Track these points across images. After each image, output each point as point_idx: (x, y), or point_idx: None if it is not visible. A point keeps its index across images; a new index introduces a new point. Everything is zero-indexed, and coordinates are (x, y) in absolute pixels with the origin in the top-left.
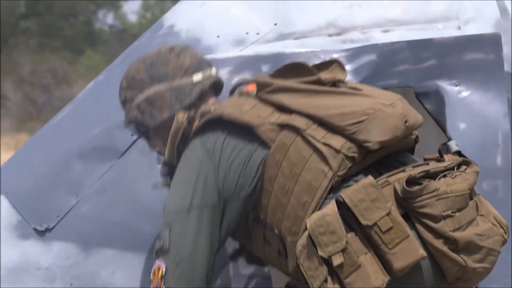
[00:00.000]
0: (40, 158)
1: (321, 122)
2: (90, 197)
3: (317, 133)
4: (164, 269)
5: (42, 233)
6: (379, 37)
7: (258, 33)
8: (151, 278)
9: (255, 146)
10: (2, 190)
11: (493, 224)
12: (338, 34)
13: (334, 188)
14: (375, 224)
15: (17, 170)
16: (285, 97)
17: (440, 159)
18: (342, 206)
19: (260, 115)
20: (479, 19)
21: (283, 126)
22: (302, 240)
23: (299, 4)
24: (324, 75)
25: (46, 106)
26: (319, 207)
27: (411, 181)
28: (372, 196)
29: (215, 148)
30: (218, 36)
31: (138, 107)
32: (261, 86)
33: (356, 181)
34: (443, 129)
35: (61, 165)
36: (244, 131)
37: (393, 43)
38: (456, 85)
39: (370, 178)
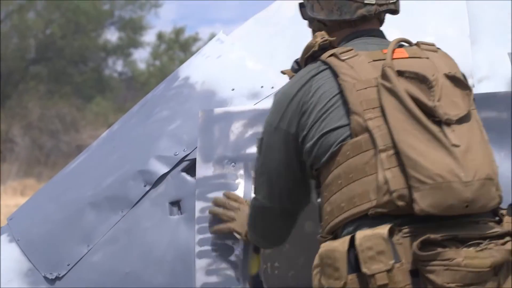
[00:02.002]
0: (52, 206)
1: (398, 154)
2: (102, 246)
3: (387, 162)
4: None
5: (52, 282)
6: None
7: (273, 87)
8: None
9: (343, 124)
10: (13, 237)
11: None
12: None
13: (370, 216)
14: (373, 275)
15: (29, 217)
16: (390, 105)
17: (499, 220)
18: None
19: (363, 103)
20: (492, 77)
21: (368, 130)
22: (315, 260)
23: None
24: (442, 103)
25: (53, 152)
26: (348, 220)
27: (431, 242)
28: (379, 248)
29: (320, 96)
30: (233, 89)
31: None
32: (385, 76)
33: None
34: None
35: (73, 213)
36: (344, 102)
37: None
38: None
39: (384, 230)
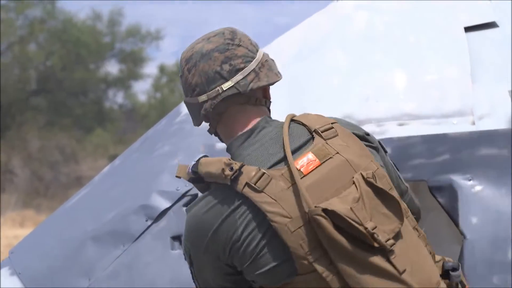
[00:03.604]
0: (54, 239)
1: None
2: (103, 281)
3: None
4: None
5: None
6: (395, 131)
7: None
8: None
9: (283, 260)
10: (15, 270)
11: None
12: None
13: None
14: None
15: (31, 251)
16: (333, 250)
17: None
18: None
19: (303, 246)
20: (493, 115)
21: (318, 273)
22: None
23: (314, 96)
24: (381, 223)
25: (53, 183)
26: None
27: None
28: None
29: (250, 234)
30: None
31: None
32: (319, 225)
33: None
34: (456, 223)
35: (75, 247)
36: (280, 242)
37: (408, 137)
38: (470, 180)
39: None
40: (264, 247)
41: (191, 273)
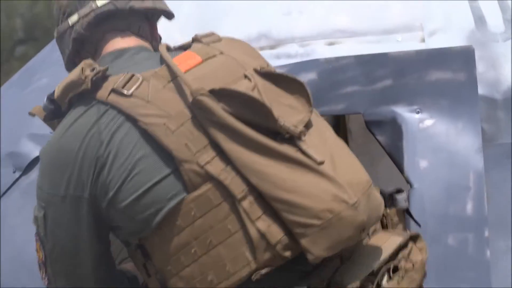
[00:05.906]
0: None
1: (261, 197)
2: None
3: (253, 210)
4: (43, 256)
5: None
6: (322, 51)
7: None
8: (36, 248)
9: (167, 174)
10: None
11: None
12: (272, 47)
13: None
14: None
15: None
16: (225, 141)
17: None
18: None
19: (189, 146)
20: (448, 29)
21: (213, 178)
22: None
23: (225, 11)
24: (285, 115)
25: None
26: None
27: None
28: None
29: (118, 144)
30: None
31: None
32: (203, 108)
33: None
34: (400, 168)
35: None
36: (161, 150)
37: (338, 59)
38: (418, 112)
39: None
40: (139, 160)
41: (39, 238)
